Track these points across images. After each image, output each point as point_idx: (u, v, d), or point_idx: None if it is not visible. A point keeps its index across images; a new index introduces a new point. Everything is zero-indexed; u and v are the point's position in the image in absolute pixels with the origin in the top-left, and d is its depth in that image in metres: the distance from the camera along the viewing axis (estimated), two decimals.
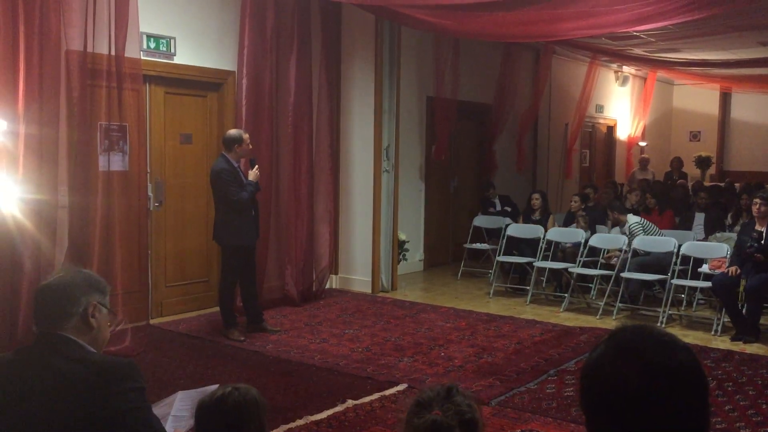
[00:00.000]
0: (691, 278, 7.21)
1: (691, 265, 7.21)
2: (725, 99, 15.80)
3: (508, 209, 9.83)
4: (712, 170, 15.14)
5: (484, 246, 9.35)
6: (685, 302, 7.57)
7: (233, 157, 6.13)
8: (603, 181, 12.99)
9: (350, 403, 4.65)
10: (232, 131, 6.27)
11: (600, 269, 7.82)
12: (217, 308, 6.49)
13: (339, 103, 8.32)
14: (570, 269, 7.75)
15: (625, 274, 7.23)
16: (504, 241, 8.54)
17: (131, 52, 5.92)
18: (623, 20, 6.58)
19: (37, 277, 5.25)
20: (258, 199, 6.37)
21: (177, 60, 6.82)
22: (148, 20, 6.29)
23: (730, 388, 5.11)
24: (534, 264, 8.03)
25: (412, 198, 9.54)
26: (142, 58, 6.24)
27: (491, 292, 8.32)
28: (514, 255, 8.56)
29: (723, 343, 6.39)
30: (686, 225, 8.67)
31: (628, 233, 7.63)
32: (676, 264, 7.12)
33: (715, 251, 7.13)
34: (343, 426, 4.31)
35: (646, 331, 1.33)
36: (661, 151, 15.67)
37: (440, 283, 9.05)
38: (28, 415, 2.09)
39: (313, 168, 7.89)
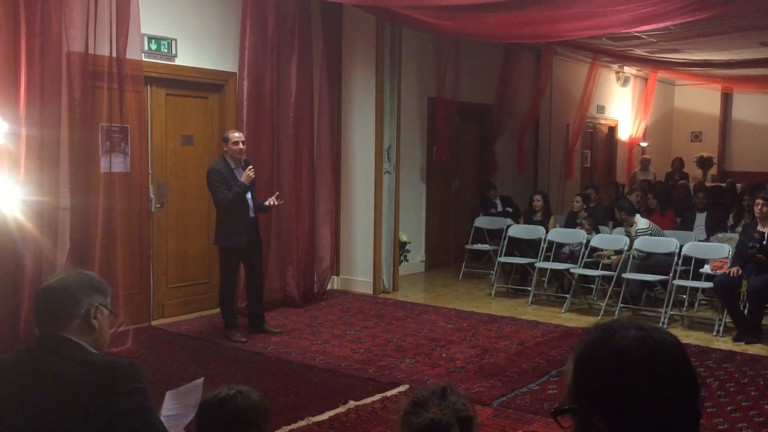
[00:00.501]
0: (693, 279, 7.21)
1: (692, 266, 7.21)
2: (726, 99, 15.78)
3: (510, 210, 9.83)
4: (713, 171, 15.13)
5: (486, 247, 9.36)
6: (686, 303, 7.56)
7: (229, 158, 6.13)
8: (604, 182, 13.00)
9: (352, 404, 4.65)
10: (226, 132, 6.30)
11: (601, 270, 7.81)
12: (219, 309, 6.49)
13: (340, 105, 8.32)
14: (571, 270, 7.75)
15: (627, 275, 7.23)
16: (505, 241, 8.54)
17: (132, 53, 5.92)
18: (624, 21, 6.59)
19: (38, 279, 5.25)
20: (276, 202, 6.31)
21: (178, 61, 6.82)
22: (149, 22, 6.29)
23: (731, 389, 5.11)
24: (535, 265, 8.03)
25: (414, 199, 9.54)
26: (144, 59, 6.25)
27: (493, 293, 8.32)
28: (515, 256, 8.56)
29: (725, 343, 6.39)
30: (688, 225, 8.66)
31: (633, 235, 7.60)
32: (677, 264, 7.12)
33: (717, 252, 7.13)
34: (345, 427, 4.31)
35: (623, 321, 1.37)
36: (662, 151, 15.65)
37: (442, 284, 9.05)
38: (30, 416, 2.09)
39: (314, 169, 7.89)
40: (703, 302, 7.72)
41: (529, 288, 8.09)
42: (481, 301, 8.08)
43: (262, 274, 6.55)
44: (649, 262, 7.42)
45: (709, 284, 6.86)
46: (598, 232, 8.25)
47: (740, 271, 6.50)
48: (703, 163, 14.71)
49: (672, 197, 10.39)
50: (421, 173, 9.74)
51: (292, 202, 7.56)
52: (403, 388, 5.00)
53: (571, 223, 8.67)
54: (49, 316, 2.22)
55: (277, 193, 6.29)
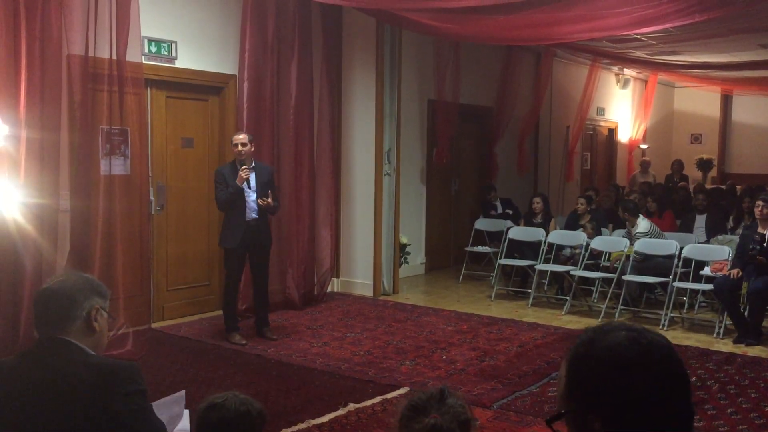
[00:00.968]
0: (693, 281, 7.20)
1: (692, 268, 7.20)
2: (726, 101, 15.79)
3: (510, 212, 9.83)
4: (713, 173, 15.14)
5: (486, 249, 9.36)
6: (686, 305, 7.56)
7: (236, 159, 6.12)
8: (604, 184, 13.00)
9: (352, 406, 4.65)
10: None
11: (601, 272, 7.81)
12: (219, 312, 6.48)
13: (340, 107, 8.32)
14: (571, 272, 7.75)
15: (627, 277, 7.22)
16: (505, 244, 8.54)
17: (133, 56, 5.93)
18: (624, 23, 6.59)
19: (38, 281, 5.25)
20: (260, 203, 6.23)
21: (178, 64, 6.83)
22: (149, 24, 6.30)
23: (732, 391, 5.10)
24: (536, 267, 8.03)
25: (414, 201, 9.54)
26: (144, 62, 6.25)
27: (493, 295, 8.31)
28: (515, 258, 8.55)
29: (725, 345, 6.38)
30: (688, 228, 8.66)
31: (633, 235, 7.59)
32: (677, 266, 7.12)
33: (717, 254, 7.13)
34: (345, 429, 4.31)
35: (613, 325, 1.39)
36: (662, 153, 15.65)
37: (442, 286, 9.05)
38: (30, 418, 2.10)
39: (314, 171, 7.89)
40: (704, 304, 7.71)
41: (530, 290, 8.09)
42: (482, 303, 8.08)
43: (266, 277, 6.43)
44: (648, 264, 7.42)
45: (710, 286, 6.85)
46: (598, 234, 8.25)
47: (740, 273, 6.49)
48: (703, 165, 14.72)
49: (672, 199, 10.40)
50: (421, 175, 9.74)
51: (292, 204, 7.56)
52: (403, 390, 4.99)
53: (572, 224, 8.65)
54: (49, 318, 2.23)
55: (269, 191, 6.15)
